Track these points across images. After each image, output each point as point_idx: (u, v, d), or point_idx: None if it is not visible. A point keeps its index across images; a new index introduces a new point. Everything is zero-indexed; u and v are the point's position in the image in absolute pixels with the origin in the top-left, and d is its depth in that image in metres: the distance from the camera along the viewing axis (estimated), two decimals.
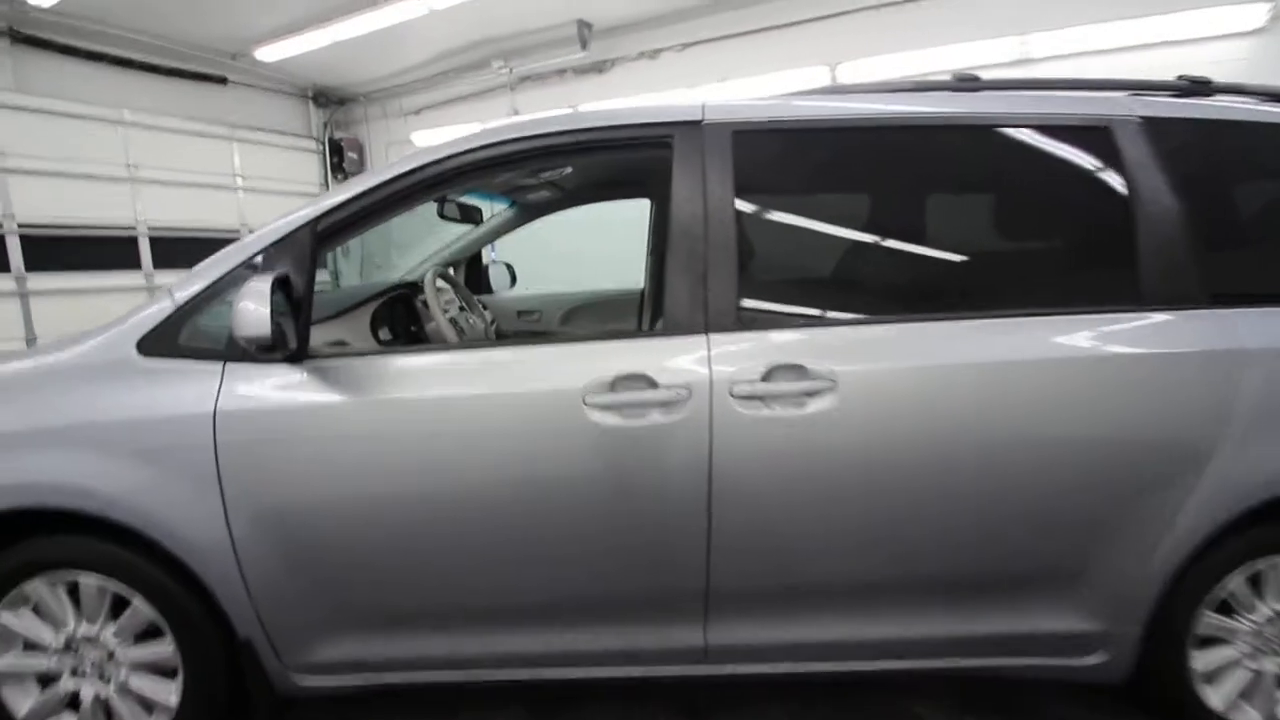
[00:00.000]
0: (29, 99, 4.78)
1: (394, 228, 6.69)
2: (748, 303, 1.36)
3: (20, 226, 4.69)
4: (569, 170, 2.35)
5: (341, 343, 1.73)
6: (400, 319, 2.21)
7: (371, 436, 1.32)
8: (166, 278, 5.39)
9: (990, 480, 1.31)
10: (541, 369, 1.35)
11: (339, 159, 7.01)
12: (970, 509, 1.32)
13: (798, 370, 1.30)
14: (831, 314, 1.42)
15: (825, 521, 1.33)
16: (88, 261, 5.03)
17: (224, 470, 1.30)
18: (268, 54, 5.66)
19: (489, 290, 3.02)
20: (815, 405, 1.29)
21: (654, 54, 5.53)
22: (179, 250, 5.48)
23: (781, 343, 1.33)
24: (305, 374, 1.34)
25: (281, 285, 1.28)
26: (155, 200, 5.47)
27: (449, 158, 1.42)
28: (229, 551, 1.32)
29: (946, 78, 1.57)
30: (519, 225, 2.85)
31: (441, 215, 2.49)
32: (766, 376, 1.30)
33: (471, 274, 2.95)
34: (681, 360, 1.32)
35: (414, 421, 1.33)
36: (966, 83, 1.56)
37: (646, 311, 2.94)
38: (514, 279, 3.11)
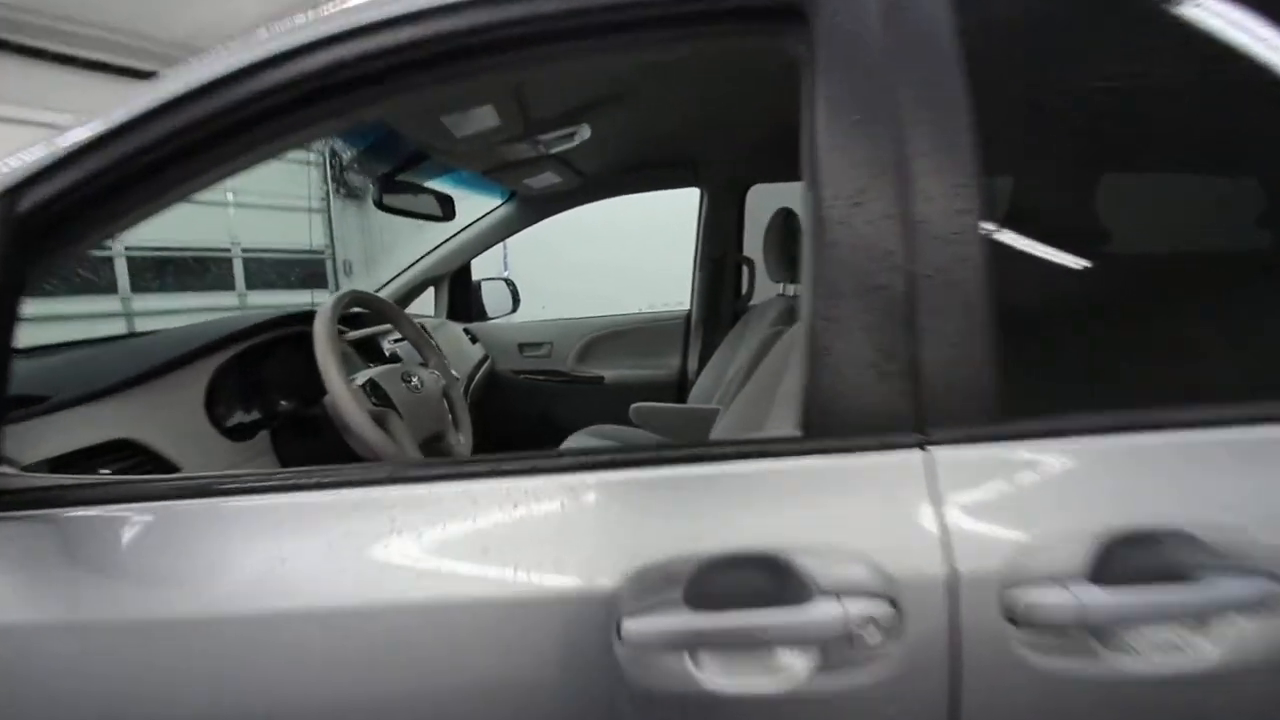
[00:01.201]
0: None
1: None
2: (1023, 363, 0.56)
3: None
4: (584, 138, 1.56)
5: (123, 446, 0.84)
6: (275, 385, 1.16)
7: (109, 693, 0.54)
8: (149, 302, 4.87)
9: None
10: (512, 535, 0.54)
11: (342, 170, 6.34)
12: None
13: (1178, 544, 0.50)
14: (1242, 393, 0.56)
15: None
16: (63, 288, 4.40)
17: None
18: None
19: (482, 316, 2.25)
20: (1235, 642, 0.48)
21: None
22: (167, 271, 5.06)
23: (1123, 470, 0.52)
24: None
25: None
26: None
27: (323, 42, 0.60)
28: None
29: None
30: (521, 226, 2.09)
31: (379, 204, 1.63)
32: (1099, 569, 0.49)
33: (458, 294, 2.18)
34: (865, 517, 0.52)
35: (206, 671, 0.54)
36: None
37: (695, 339, 2.23)
38: (516, 301, 2.33)
